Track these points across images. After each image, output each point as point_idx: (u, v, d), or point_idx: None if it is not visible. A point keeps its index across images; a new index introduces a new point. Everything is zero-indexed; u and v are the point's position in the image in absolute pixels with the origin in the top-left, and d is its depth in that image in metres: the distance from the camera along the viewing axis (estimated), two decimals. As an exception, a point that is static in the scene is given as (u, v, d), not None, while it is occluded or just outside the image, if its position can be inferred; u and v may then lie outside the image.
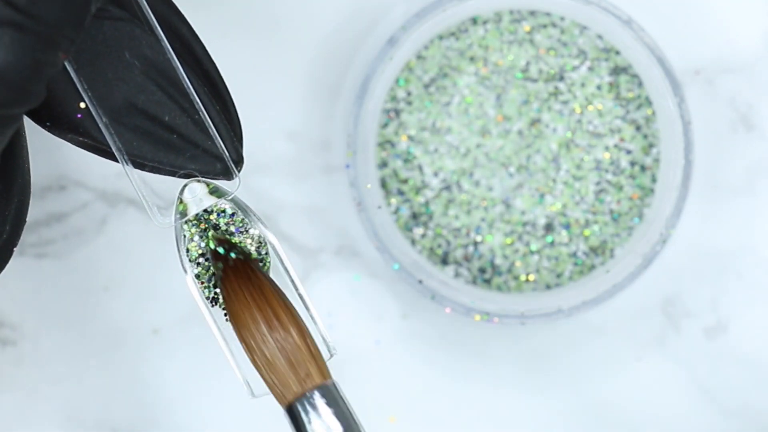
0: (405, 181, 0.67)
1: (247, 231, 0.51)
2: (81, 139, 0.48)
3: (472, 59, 0.66)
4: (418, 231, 0.67)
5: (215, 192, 0.50)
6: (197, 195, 0.50)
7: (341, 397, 0.50)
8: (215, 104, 0.49)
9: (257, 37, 0.68)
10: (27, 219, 0.49)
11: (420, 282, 0.65)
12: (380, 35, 0.66)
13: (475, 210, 0.67)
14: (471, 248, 0.67)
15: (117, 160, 0.49)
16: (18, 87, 0.43)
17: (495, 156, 0.67)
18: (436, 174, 0.67)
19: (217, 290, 0.51)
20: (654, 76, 0.65)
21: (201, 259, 0.51)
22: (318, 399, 0.48)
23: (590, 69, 0.66)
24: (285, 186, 0.68)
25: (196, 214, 0.51)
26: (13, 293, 0.68)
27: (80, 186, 0.68)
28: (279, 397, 0.49)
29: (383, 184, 0.67)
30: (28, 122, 0.69)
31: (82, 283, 0.68)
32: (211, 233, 0.51)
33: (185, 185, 0.50)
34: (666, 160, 0.66)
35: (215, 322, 0.51)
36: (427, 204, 0.67)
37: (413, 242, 0.67)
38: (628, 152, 0.67)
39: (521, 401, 0.68)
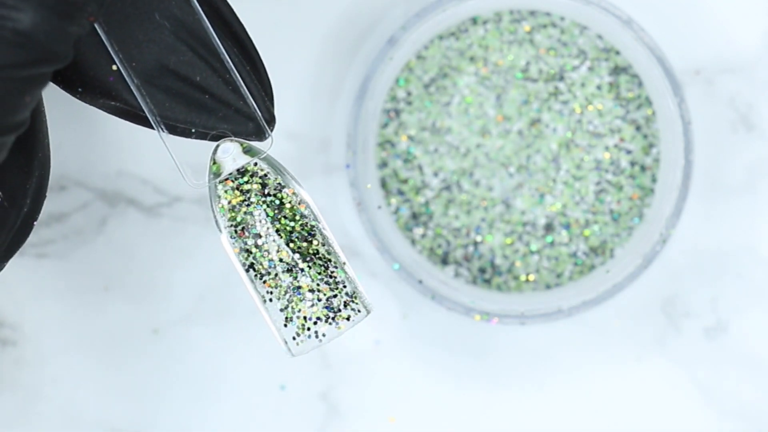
0: (405, 181, 0.67)
1: (281, 190, 0.51)
2: (113, 103, 0.48)
3: (472, 59, 0.66)
4: (418, 231, 0.67)
5: (249, 151, 0.50)
6: (231, 154, 0.50)
7: None
8: (245, 64, 0.49)
9: (257, 38, 0.67)
10: (47, 194, 0.49)
11: (420, 282, 0.65)
12: (380, 35, 0.66)
13: (475, 210, 0.67)
14: (471, 248, 0.67)
15: (149, 125, 0.49)
16: (45, 47, 0.44)
17: (495, 156, 0.67)
18: (436, 174, 0.67)
19: (252, 255, 0.51)
20: (654, 76, 0.65)
21: (234, 219, 0.51)
22: None
23: (590, 69, 0.66)
24: (285, 186, 0.68)
25: (230, 177, 0.50)
26: (13, 293, 0.68)
27: (80, 186, 0.68)
28: None
29: (383, 184, 0.67)
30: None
31: (82, 283, 0.68)
32: None
33: (218, 145, 0.50)
34: (666, 160, 0.66)
35: (251, 281, 0.51)
36: (427, 204, 0.67)
37: (413, 242, 0.67)
38: (628, 152, 0.67)
39: (521, 401, 0.68)
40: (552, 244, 0.67)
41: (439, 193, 0.67)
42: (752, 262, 0.67)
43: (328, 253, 0.51)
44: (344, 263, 0.51)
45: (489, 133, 0.67)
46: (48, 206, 0.67)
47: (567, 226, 0.67)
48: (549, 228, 0.67)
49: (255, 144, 0.50)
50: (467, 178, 0.67)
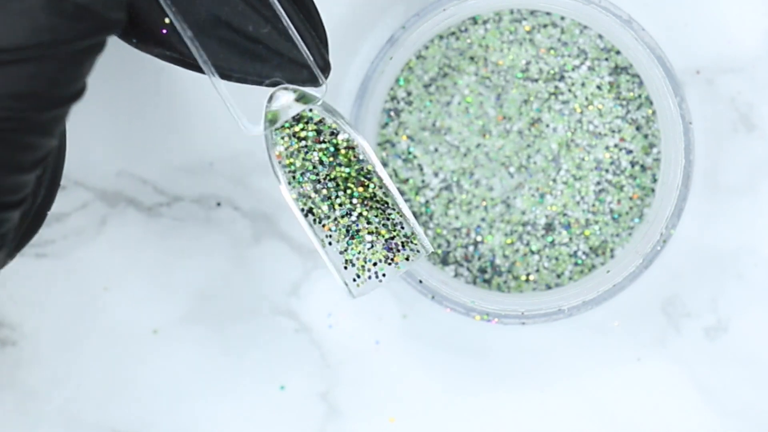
0: (405, 181, 0.67)
1: (336, 135, 0.51)
2: (168, 53, 0.49)
3: (472, 59, 0.66)
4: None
5: (303, 98, 0.50)
6: (286, 102, 0.50)
7: None
8: (299, 12, 0.49)
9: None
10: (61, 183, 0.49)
11: (420, 282, 0.65)
12: (380, 35, 0.66)
13: (475, 210, 0.67)
14: (471, 248, 0.67)
15: (205, 73, 0.49)
16: (103, 17, 0.45)
17: (495, 156, 0.67)
18: (436, 174, 0.67)
19: (310, 199, 0.51)
20: (654, 76, 0.65)
21: (291, 165, 0.51)
22: None
23: (590, 69, 0.66)
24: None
25: (286, 124, 0.51)
26: (13, 293, 0.68)
27: (80, 186, 0.68)
28: None
29: (383, 184, 0.67)
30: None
31: (82, 283, 0.68)
32: None
33: (273, 93, 0.50)
34: (666, 160, 0.66)
35: (310, 226, 0.51)
36: (427, 204, 0.67)
37: (413, 242, 0.67)
38: (629, 152, 0.66)
39: (521, 401, 0.68)
40: (552, 244, 0.67)
41: (439, 193, 0.67)
42: (752, 262, 0.67)
43: (385, 196, 0.51)
44: (400, 203, 0.51)
45: (489, 133, 0.67)
46: (48, 206, 0.67)
47: (567, 226, 0.67)
48: (549, 228, 0.67)
49: (309, 90, 0.50)
50: (467, 178, 0.67)
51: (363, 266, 0.51)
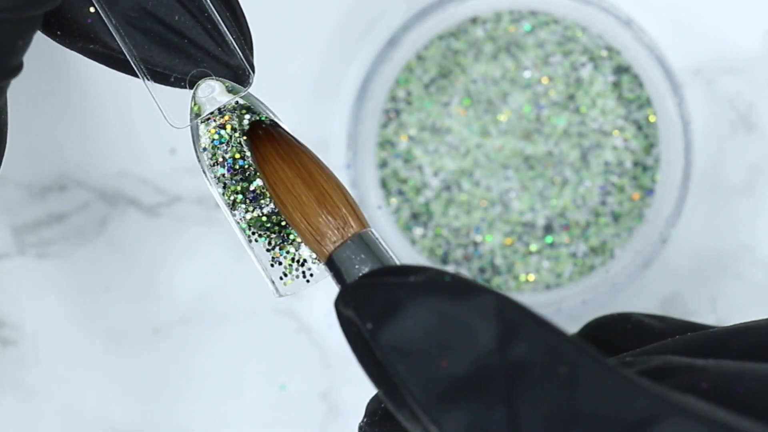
0: (405, 181, 0.67)
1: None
2: (92, 46, 0.48)
3: (471, 59, 0.67)
4: (418, 231, 0.67)
5: (230, 92, 0.50)
6: (211, 94, 0.50)
7: (381, 243, 0.48)
8: (225, 11, 0.49)
9: (257, 37, 0.67)
10: (0, 172, 0.49)
11: (420, 282, 0.65)
12: (380, 35, 0.67)
13: (475, 210, 0.67)
14: (471, 248, 0.67)
15: (129, 69, 0.49)
16: None
17: (495, 156, 0.67)
18: (436, 174, 0.67)
19: (238, 194, 0.50)
20: (654, 77, 0.65)
21: (219, 159, 0.50)
22: (358, 245, 0.47)
23: (594, 68, 0.66)
24: (285, 186, 0.68)
25: (212, 116, 0.50)
26: (13, 293, 0.68)
27: (80, 186, 0.68)
28: (318, 250, 0.48)
29: (383, 184, 0.67)
30: (25, 114, 0.69)
31: (83, 283, 0.68)
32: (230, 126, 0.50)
33: (198, 84, 0.49)
34: (666, 161, 0.66)
35: (236, 222, 0.50)
36: (427, 204, 0.67)
37: (413, 242, 0.67)
38: (630, 152, 0.67)
39: (521, 401, 0.68)
40: (552, 244, 0.67)
41: (439, 193, 0.67)
42: (752, 262, 0.67)
43: None
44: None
45: (489, 133, 0.67)
46: (48, 206, 0.67)
47: (567, 227, 0.67)
48: (549, 228, 0.67)
49: (236, 85, 0.50)
50: (467, 178, 0.67)
51: (290, 265, 0.50)
